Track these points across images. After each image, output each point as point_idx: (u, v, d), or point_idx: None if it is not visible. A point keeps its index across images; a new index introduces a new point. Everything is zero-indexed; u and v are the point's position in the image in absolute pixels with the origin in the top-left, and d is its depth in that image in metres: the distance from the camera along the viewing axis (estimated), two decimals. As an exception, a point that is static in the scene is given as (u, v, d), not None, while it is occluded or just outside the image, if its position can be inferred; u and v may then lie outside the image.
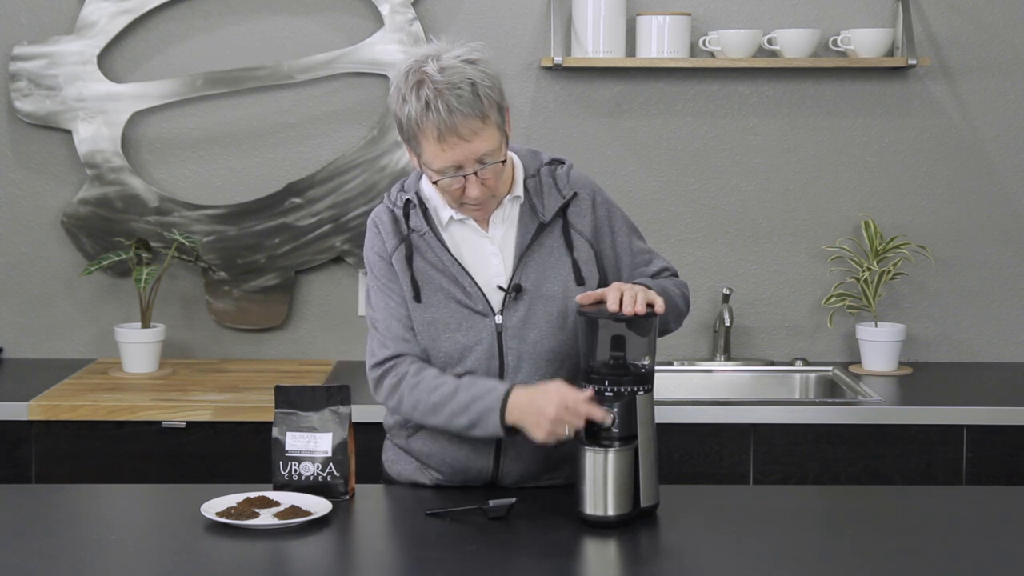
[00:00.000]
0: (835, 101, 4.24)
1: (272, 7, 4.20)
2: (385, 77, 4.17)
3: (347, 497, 2.76)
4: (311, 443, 2.75)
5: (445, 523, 2.63)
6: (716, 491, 3.03)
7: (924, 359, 4.29)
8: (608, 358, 2.65)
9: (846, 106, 4.24)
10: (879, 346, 4.09)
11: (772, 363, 4.24)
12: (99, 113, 4.16)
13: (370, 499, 2.81)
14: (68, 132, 4.18)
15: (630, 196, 4.17)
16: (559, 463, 2.85)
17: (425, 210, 2.80)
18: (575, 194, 2.83)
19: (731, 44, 4.09)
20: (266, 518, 2.60)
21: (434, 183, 2.72)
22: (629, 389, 2.62)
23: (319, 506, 2.66)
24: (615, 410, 2.61)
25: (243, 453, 3.63)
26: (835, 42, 4.15)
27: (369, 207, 4.09)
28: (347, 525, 2.65)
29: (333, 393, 2.78)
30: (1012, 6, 4.21)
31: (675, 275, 2.93)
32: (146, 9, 4.16)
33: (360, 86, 4.21)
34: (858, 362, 4.19)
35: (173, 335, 4.23)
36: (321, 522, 2.62)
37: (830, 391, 4.11)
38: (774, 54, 4.15)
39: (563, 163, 2.87)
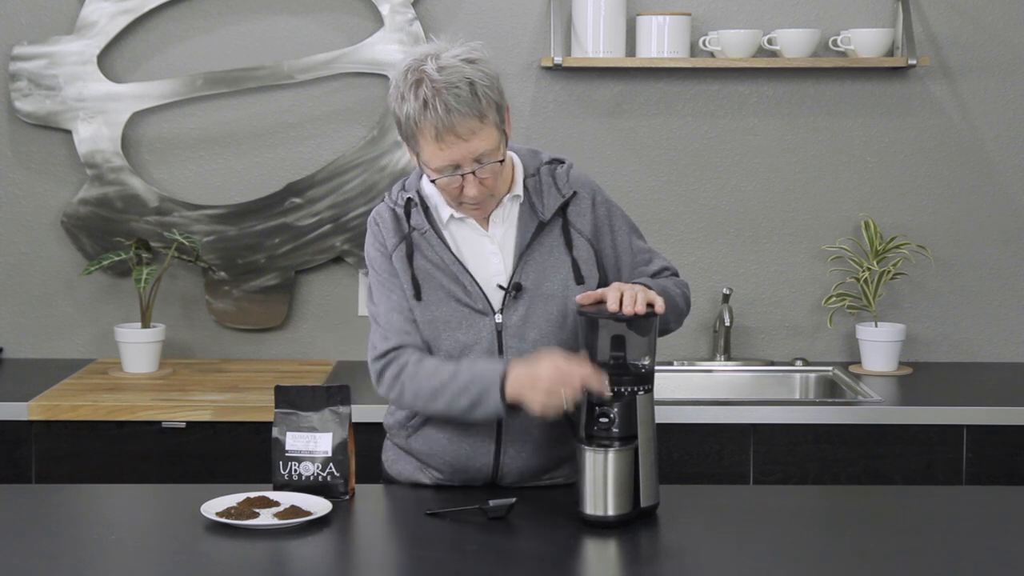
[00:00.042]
0: (835, 101, 4.24)
1: (272, 7, 4.20)
2: (385, 77, 4.17)
3: (347, 497, 2.76)
4: (311, 443, 2.75)
5: (445, 523, 2.63)
6: (716, 491, 3.03)
7: (924, 359, 4.29)
8: (608, 358, 2.65)
9: (846, 106, 4.24)
10: (879, 346, 4.09)
11: (772, 363, 4.24)
12: (99, 113, 4.16)
13: (370, 499, 2.81)
14: (68, 132, 4.18)
15: (630, 196, 4.17)
16: (559, 462, 2.85)
17: (426, 208, 2.81)
18: (575, 193, 2.83)
19: (731, 44, 4.09)
20: (266, 518, 2.60)
21: (432, 182, 2.73)
22: (629, 389, 2.62)
23: (319, 506, 2.66)
24: (615, 410, 2.61)
25: (243, 453, 3.63)
26: (835, 42, 4.15)
27: (369, 207, 4.09)
28: (347, 525, 2.65)
29: (333, 393, 2.78)
30: (1012, 6, 4.21)
31: (675, 275, 2.93)
32: (146, 9, 4.16)
33: (360, 86, 4.22)
34: (858, 362, 4.19)
35: (173, 335, 4.23)
36: (321, 522, 2.62)
37: (830, 391, 4.11)
38: (774, 54, 4.15)
39: (563, 162, 2.87)
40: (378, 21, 4.18)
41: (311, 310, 4.29)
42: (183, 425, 3.65)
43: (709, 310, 4.26)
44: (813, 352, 4.28)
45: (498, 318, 2.77)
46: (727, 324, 4.20)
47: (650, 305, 2.65)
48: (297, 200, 4.21)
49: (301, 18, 4.20)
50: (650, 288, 2.70)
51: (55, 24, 4.18)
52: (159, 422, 3.65)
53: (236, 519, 2.58)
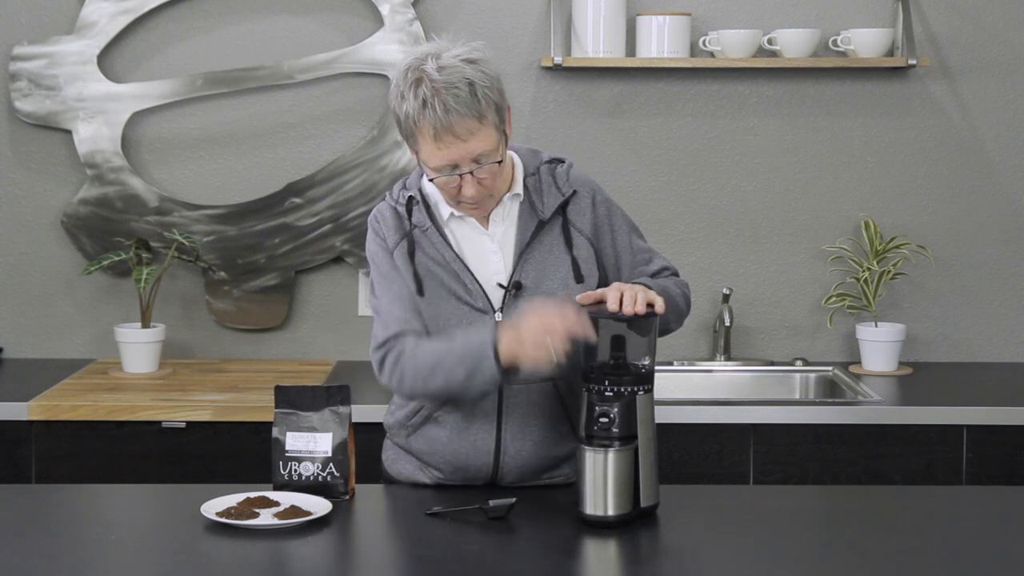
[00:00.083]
0: (835, 101, 4.24)
1: (272, 7, 4.20)
2: (385, 77, 4.17)
3: (347, 497, 2.76)
4: (311, 443, 2.75)
5: (445, 523, 2.63)
6: (716, 491, 3.03)
7: (924, 359, 4.29)
8: (608, 358, 2.65)
9: (846, 106, 4.24)
10: (879, 346, 4.09)
11: (772, 363, 4.24)
12: (99, 113, 4.16)
13: (370, 499, 2.81)
14: (68, 132, 4.18)
15: (630, 196, 4.17)
16: (559, 461, 2.85)
17: (427, 206, 2.81)
18: (575, 192, 2.84)
19: (731, 44, 4.09)
20: (266, 518, 2.60)
21: (431, 180, 2.73)
22: (629, 389, 2.62)
23: (319, 506, 2.66)
24: (615, 410, 2.61)
25: (243, 453, 3.63)
26: (835, 42, 4.15)
27: (369, 207, 4.09)
28: (347, 525, 2.65)
29: (333, 393, 2.78)
30: (1012, 6, 4.21)
31: (675, 274, 2.93)
32: (146, 9, 4.16)
33: (360, 86, 4.22)
34: (858, 362, 4.19)
35: (173, 335, 4.23)
36: (321, 522, 2.62)
37: (830, 391, 4.11)
38: (774, 54, 4.15)
39: (563, 162, 2.87)
40: (378, 21, 4.18)
41: (311, 310, 4.29)
42: (183, 425, 3.65)
43: (709, 310, 4.26)
44: (813, 352, 4.28)
45: (498, 316, 2.78)
46: (727, 324, 4.20)
47: (650, 305, 2.65)
48: (297, 200, 4.21)
49: (301, 18, 4.20)
50: (650, 288, 2.70)
51: (55, 24, 4.18)
52: (159, 422, 3.65)
53: (236, 519, 2.58)
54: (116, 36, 4.16)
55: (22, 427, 3.64)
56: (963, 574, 2.43)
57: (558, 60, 4.06)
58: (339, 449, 2.75)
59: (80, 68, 4.15)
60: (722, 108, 4.24)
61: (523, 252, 2.79)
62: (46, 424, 3.64)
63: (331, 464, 2.75)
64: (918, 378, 4.07)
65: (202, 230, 4.20)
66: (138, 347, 4.01)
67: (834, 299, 4.16)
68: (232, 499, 2.67)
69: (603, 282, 2.84)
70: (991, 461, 3.66)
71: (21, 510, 2.75)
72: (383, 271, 2.82)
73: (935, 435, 3.67)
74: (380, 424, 3.03)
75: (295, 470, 2.75)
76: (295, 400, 2.78)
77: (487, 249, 2.80)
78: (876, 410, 3.69)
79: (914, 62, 4.06)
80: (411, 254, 2.79)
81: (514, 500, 2.65)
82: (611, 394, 2.62)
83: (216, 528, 2.58)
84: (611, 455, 2.60)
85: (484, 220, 2.81)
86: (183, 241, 4.06)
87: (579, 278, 2.81)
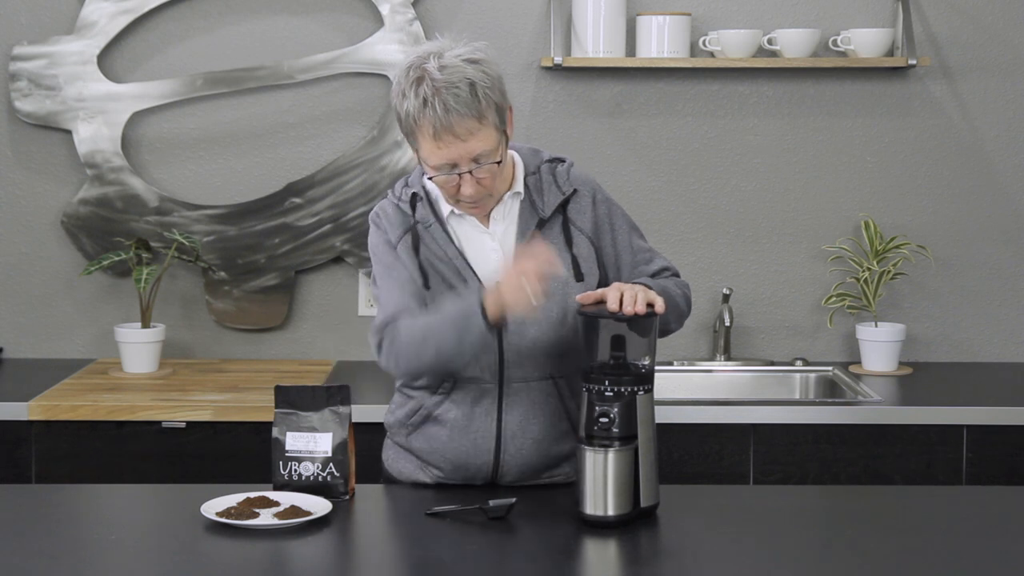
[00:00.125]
0: (835, 101, 4.24)
1: (272, 7, 4.20)
2: (385, 77, 4.17)
3: (347, 497, 2.76)
4: (311, 443, 2.75)
5: (445, 523, 2.63)
6: (716, 491, 3.03)
7: (924, 359, 4.29)
8: (608, 358, 2.65)
9: (846, 106, 4.24)
10: (879, 346, 4.09)
11: (772, 363, 4.24)
12: (99, 113, 4.16)
13: (370, 499, 2.81)
14: (68, 132, 4.18)
15: (630, 196, 4.17)
16: (559, 460, 2.86)
17: (431, 203, 2.82)
18: (575, 191, 2.85)
19: (731, 44, 4.09)
20: (266, 518, 2.60)
21: (429, 179, 2.74)
22: (629, 389, 2.62)
23: (319, 506, 2.66)
24: (615, 410, 2.61)
25: (243, 453, 3.63)
26: (835, 42, 4.15)
27: (369, 207, 4.08)
28: (347, 525, 2.65)
29: (333, 393, 2.78)
30: (1012, 6, 4.21)
31: (676, 275, 2.93)
32: (146, 9, 4.16)
33: (360, 86, 4.22)
34: (858, 362, 4.19)
35: (173, 335, 4.23)
36: (321, 522, 2.61)
37: (830, 391, 4.11)
38: (774, 54, 4.15)
39: (563, 161, 2.88)
40: (378, 21, 4.18)
41: (311, 310, 4.29)
42: (183, 425, 3.65)
43: (709, 310, 4.26)
44: (813, 352, 4.28)
45: (498, 314, 2.78)
46: (727, 324, 4.20)
47: (650, 305, 2.65)
48: (297, 200, 4.21)
49: (301, 18, 4.20)
50: (650, 288, 2.71)
51: (55, 24, 4.18)
52: (159, 422, 3.65)
53: (236, 519, 2.58)
54: (116, 36, 4.16)
55: (22, 427, 3.64)
56: (963, 574, 2.43)
57: (558, 60, 4.06)
58: (339, 449, 2.75)
59: (80, 68, 4.15)
60: (722, 108, 4.24)
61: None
62: (46, 424, 3.64)
63: (331, 464, 2.75)
64: (918, 378, 4.07)
65: (202, 230, 4.20)
66: (138, 347, 4.01)
67: (834, 299, 4.16)
68: (232, 499, 2.67)
69: (603, 281, 2.85)
70: (991, 461, 3.66)
71: (21, 510, 2.75)
72: (385, 262, 2.82)
73: (935, 435, 3.67)
74: (380, 424, 3.03)
75: (295, 470, 2.75)
76: (295, 400, 2.78)
77: (488, 247, 2.81)
78: (876, 410, 3.69)
79: (914, 62, 4.06)
80: (415, 248, 2.79)
81: (514, 500, 2.65)
82: (611, 394, 2.61)
83: (216, 528, 2.58)
84: (611, 455, 2.60)
85: (485, 218, 2.82)
86: (183, 241, 4.06)
87: (579, 276, 2.81)
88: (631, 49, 4.15)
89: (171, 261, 4.09)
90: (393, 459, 2.95)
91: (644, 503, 2.64)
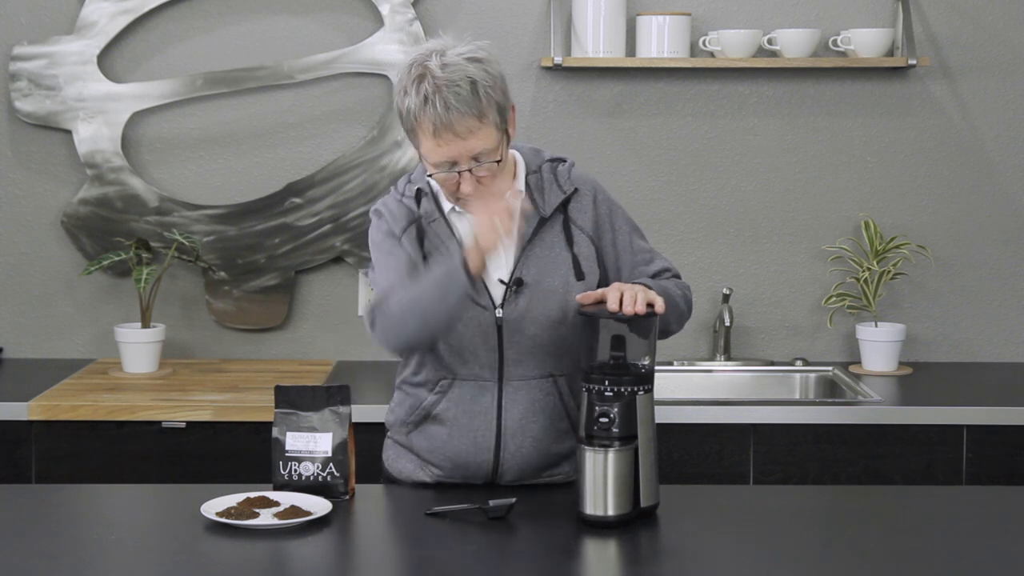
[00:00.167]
0: (835, 101, 4.24)
1: (272, 7, 4.20)
2: (385, 77, 4.17)
3: (347, 497, 2.76)
4: (311, 443, 2.75)
5: (445, 523, 2.63)
6: (716, 491, 3.03)
7: (924, 359, 4.29)
8: (608, 358, 2.65)
9: (846, 106, 4.24)
10: (879, 346, 4.09)
11: (772, 363, 4.24)
12: (99, 113, 4.16)
13: (370, 499, 2.81)
14: (68, 132, 4.18)
15: (630, 196, 4.17)
16: (559, 459, 2.86)
17: (435, 198, 2.82)
18: (576, 190, 2.85)
19: (731, 44, 4.09)
20: (266, 518, 2.60)
21: (429, 176, 2.74)
22: (629, 389, 2.62)
23: (319, 506, 2.65)
24: (615, 410, 2.61)
25: (243, 453, 3.63)
26: (835, 42, 4.15)
27: (369, 207, 4.08)
28: (347, 525, 2.65)
29: (333, 393, 2.78)
30: (1012, 6, 4.21)
31: (677, 276, 2.93)
32: (146, 9, 4.16)
33: (360, 86, 4.22)
34: (858, 362, 4.19)
35: (173, 335, 4.23)
36: (321, 522, 2.61)
37: (830, 391, 4.11)
38: (774, 54, 4.15)
39: (564, 161, 2.89)
40: (378, 21, 4.18)
41: (311, 310, 4.29)
42: (183, 425, 3.65)
43: (709, 310, 4.26)
44: (813, 352, 4.28)
45: (499, 312, 2.78)
46: (727, 324, 4.20)
47: (650, 305, 2.65)
48: (297, 200, 4.21)
49: (301, 18, 4.20)
50: (650, 288, 2.71)
51: (55, 24, 4.18)
52: (159, 422, 3.65)
53: (236, 519, 2.58)
54: (116, 36, 4.16)
55: (22, 427, 3.64)
56: (963, 574, 2.43)
57: (558, 60, 4.06)
58: (339, 449, 2.75)
59: (80, 68, 4.15)
60: (722, 108, 4.24)
61: (524, 249, 2.80)
62: (46, 424, 3.64)
63: (331, 464, 2.75)
64: (918, 378, 4.07)
65: (202, 230, 4.20)
66: (138, 347, 4.01)
67: (834, 299, 4.16)
68: (232, 499, 2.67)
69: (604, 281, 2.85)
70: (991, 461, 3.66)
71: (21, 510, 2.75)
72: (384, 248, 2.82)
73: (935, 435, 3.67)
74: (380, 424, 3.03)
75: (295, 470, 2.75)
76: (295, 400, 2.78)
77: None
78: (876, 410, 3.69)
79: (914, 62, 4.06)
80: (420, 241, 2.79)
81: (514, 500, 2.65)
82: (611, 394, 2.62)
83: (216, 528, 2.58)
84: (611, 455, 2.60)
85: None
86: (183, 241, 4.06)
87: (580, 275, 2.81)
88: (631, 49, 4.15)
89: (171, 261, 4.09)
90: (393, 459, 2.95)
91: (644, 503, 2.64)
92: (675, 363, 4.22)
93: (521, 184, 2.82)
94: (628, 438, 2.62)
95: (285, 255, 4.22)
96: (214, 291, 4.23)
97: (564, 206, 2.84)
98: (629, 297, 2.63)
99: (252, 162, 4.24)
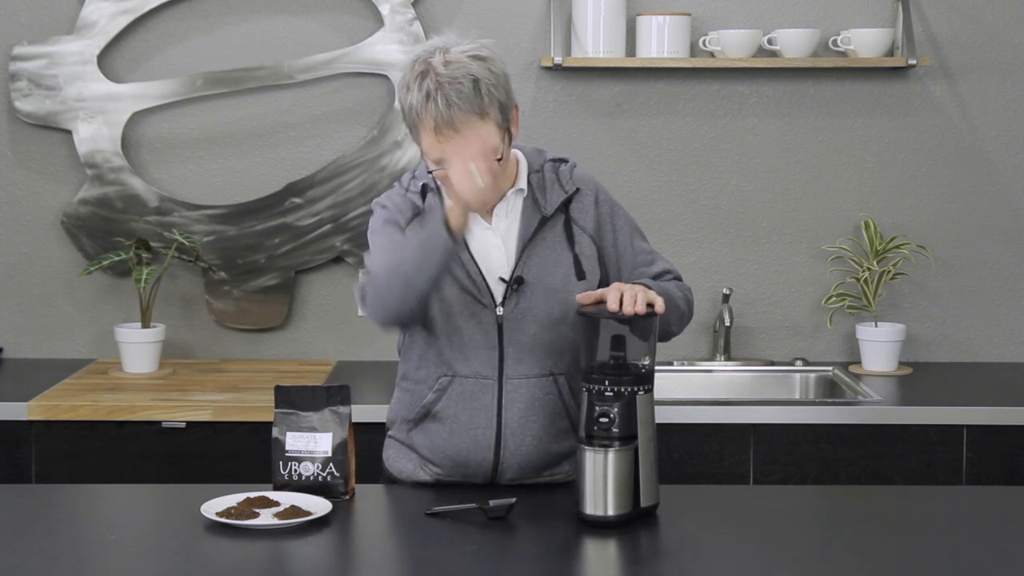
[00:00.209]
0: (835, 101, 4.24)
1: (272, 7, 4.20)
2: (385, 77, 4.17)
3: (347, 497, 2.76)
4: (311, 443, 2.75)
5: (445, 523, 2.63)
6: (716, 491, 3.03)
7: (924, 359, 4.29)
8: (608, 358, 2.65)
9: (846, 106, 4.24)
10: (879, 346, 4.09)
11: (772, 363, 4.24)
12: (99, 113, 4.16)
13: (370, 499, 2.81)
14: (68, 132, 4.18)
15: (630, 196, 4.17)
16: (559, 459, 2.86)
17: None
18: (578, 190, 2.86)
19: (731, 44, 4.09)
20: (266, 518, 2.60)
21: (429, 172, 2.75)
22: (629, 389, 2.62)
23: (319, 506, 2.65)
24: (615, 410, 2.61)
25: (243, 453, 3.63)
26: (835, 42, 4.15)
27: (369, 207, 4.09)
28: (347, 525, 2.65)
29: (333, 393, 2.78)
30: (1012, 6, 4.21)
31: (678, 279, 2.93)
32: (146, 9, 4.16)
33: (360, 86, 4.22)
34: (858, 362, 4.19)
35: (173, 335, 4.23)
36: (321, 522, 2.61)
37: (830, 391, 4.11)
38: (774, 54, 4.15)
39: (566, 161, 2.90)
40: (378, 21, 4.18)
41: (311, 310, 4.29)
42: (183, 425, 3.65)
43: (709, 310, 4.26)
44: (813, 352, 4.28)
45: (499, 310, 2.78)
46: (727, 324, 4.20)
47: (650, 305, 2.65)
48: (297, 200, 4.21)
49: (301, 18, 4.20)
50: (650, 288, 2.71)
51: (55, 24, 4.18)
52: (159, 422, 3.65)
53: (236, 519, 2.58)
54: (116, 36, 4.16)
55: (22, 427, 3.64)
56: (963, 574, 2.43)
57: (558, 60, 4.06)
58: (339, 449, 2.75)
59: (80, 68, 4.15)
60: (722, 108, 4.24)
61: (525, 247, 2.80)
62: (46, 424, 3.64)
63: (331, 464, 2.75)
64: (918, 378, 4.07)
65: (202, 230, 4.20)
66: (138, 347, 4.01)
67: (834, 299, 4.16)
68: (232, 499, 2.67)
69: (604, 281, 2.85)
70: (991, 461, 3.66)
71: (21, 510, 2.75)
72: (384, 233, 2.82)
73: (935, 435, 3.67)
74: (380, 424, 3.03)
75: (295, 470, 2.75)
76: (295, 400, 2.78)
77: (490, 243, 2.81)
78: (876, 410, 3.69)
79: (914, 62, 4.06)
80: None
81: (514, 500, 2.65)
82: (611, 394, 2.61)
83: (216, 528, 2.58)
84: (611, 455, 2.60)
85: (487, 214, 2.82)
86: (183, 241, 4.06)
87: (581, 275, 2.81)
88: (631, 49, 4.15)
89: (171, 261, 4.09)
90: (394, 458, 2.95)
91: (644, 503, 2.64)
92: (675, 363, 4.22)
93: (523, 183, 2.83)
94: (628, 438, 2.62)
95: (285, 255, 4.22)
96: (214, 291, 4.23)
97: (566, 206, 2.84)
98: (629, 297, 2.63)
99: (252, 162, 4.24)
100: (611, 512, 2.60)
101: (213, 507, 2.63)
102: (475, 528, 2.60)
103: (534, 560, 2.50)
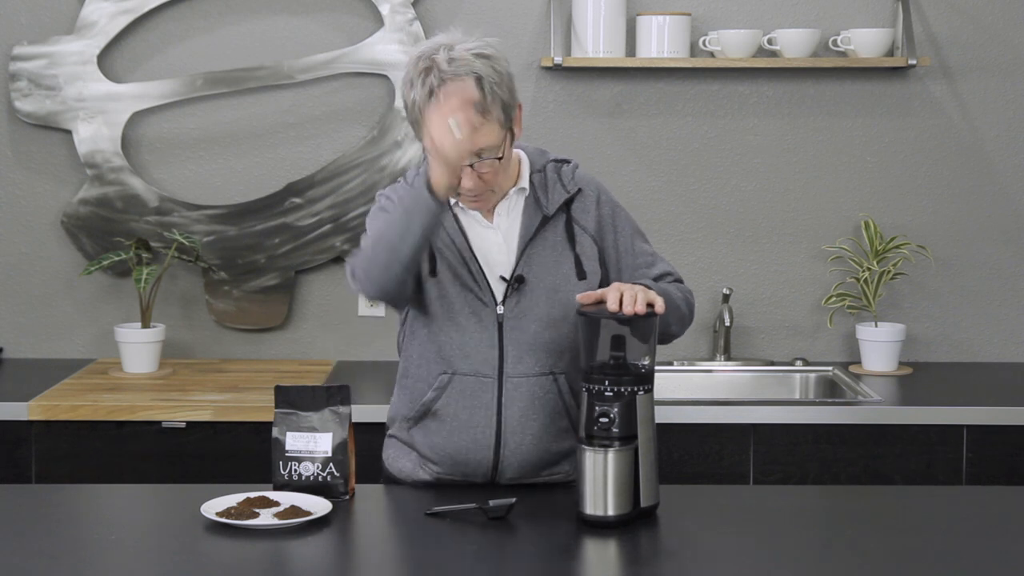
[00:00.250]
0: (835, 101, 4.24)
1: (272, 7, 4.20)
2: (385, 77, 4.17)
3: (347, 497, 2.76)
4: (311, 443, 2.75)
5: (445, 523, 2.63)
6: (716, 491, 3.03)
7: (924, 359, 4.29)
8: (608, 358, 2.65)
9: (846, 106, 4.24)
10: (879, 346, 4.09)
11: (772, 363, 4.24)
12: (99, 113, 4.16)
13: (370, 499, 2.81)
14: (68, 132, 4.18)
15: (630, 196, 4.17)
16: (559, 458, 2.86)
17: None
18: (579, 190, 2.86)
19: (731, 44, 4.09)
20: (266, 518, 2.60)
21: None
22: (629, 389, 2.62)
23: (319, 506, 2.65)
24: (615, 410, 2.61)
25: (243, 453, 3.63)
26: (835, 42, 4.15)
27: (369, 207, 4.09)
28: (347, 525, 2.65)
29: (333, 393, 2.78)
30: (1012, 6, 4.21)
31: (679, 281, 2.93)
32: (146, 9, 4.16)
33: (360, 86, 4.22)
34: (858, 362, 4.19)
35: (173, 335, 4.23)
36: (321, 522, 2.61)
37: (830, 391, 4.11)
38: (774, 54, 4.15)
39: (568, 162, 2.90)
40: (378, 21, 4.18)
41: (311, 310, 4.29)
42: (183, 425, 3.65)
43: (709, 310, 4.26)
44: (813, 352, 4.28)
45: (499, 309, 2.78)
46: (727, 324, 4.20)
47: (650, 305, 2.65)
48: (297, 200, 4.21)
49: (301, 18, 4.20)
50: (650, 288, 2.71)
51: (55, 24, 4.18)
52: (159, 422, 3.65)
53: (236, 519, 2.58)
54: (116, 36, 4.16)
55: (22, 427, 3.64)
56: (963, 574, 2.43)
57: (558, 60, 4.06)
58: (339, 449, 2.75)
59: (80, 68, 4.15)
60: (722, 108, 4.24)
61: (526, 246, 2.80)
62: (46, 424, 3.64)
63: (331, 464, 2.75)
64: (918, 378, 4.07)
65: (202, 230, 4.20)
66: (138, 347, 4.01)
67: (834, 299, 4.16)
68: (232, 499, 2.67)
69: (605, 282, 2.85)
70: (991, 461, 3.66)
71: (21, 510, 2.75)
72: (378, 216, 2.82)
73: (935, 435, 3.67)
74: (380, 424, 3.03)
75: (295, 470, 2.75)
76: (295, 400, 2.78)
77: (491, 242, 2.82)
78: (876, 410, 3.69)
79: (914, 62, 4.06)
80: None
81: (514, 500, 2.65)
82: (611, 394, 2.61)
83: (216, 528, 2.58)
84: (611, 455, 2.60)
85: (489, 213, 2.83)
86: (183, 241, 4.06)
87: (581, 274, 2.82)
88: (631, 49, 4.15)
89: (171, 261, 4.09)
90: (394, 458, 2.95)
91: (644, 503, 2.64)
92: (675, 363, 4.22)
93: (525, 182, 2.83)
94: (628, 438, 2.62)
95: (285, 255, 4.23)
96: (214, 291, 4.23)
97: (567, 206, 2.85)
98: (629, 297, 2.63)
99: (252, 162, 4.24)
100: (611, 512, 2.60)
101: (213, 507, 2.63)
102: (475, 528, 2.60)
103: (534, 560, 2.50)
